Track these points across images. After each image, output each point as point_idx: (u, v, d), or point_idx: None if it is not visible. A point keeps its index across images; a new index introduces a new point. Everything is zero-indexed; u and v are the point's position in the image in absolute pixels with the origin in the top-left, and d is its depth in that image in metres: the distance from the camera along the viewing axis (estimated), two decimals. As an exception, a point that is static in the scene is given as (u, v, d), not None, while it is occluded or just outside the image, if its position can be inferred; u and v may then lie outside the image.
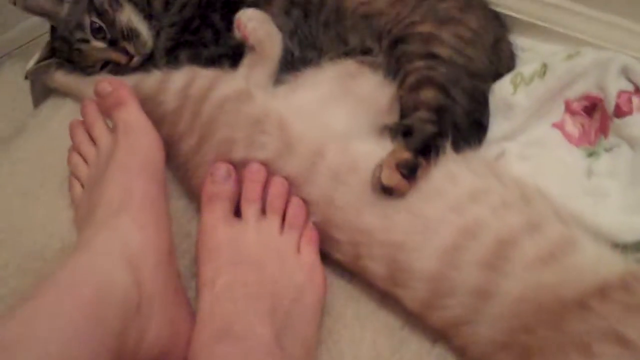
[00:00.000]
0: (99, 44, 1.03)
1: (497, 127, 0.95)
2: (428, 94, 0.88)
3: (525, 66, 0.97)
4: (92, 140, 0.92)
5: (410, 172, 0.78)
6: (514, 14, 1.06)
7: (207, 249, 0.80)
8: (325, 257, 0.84)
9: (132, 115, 0.86)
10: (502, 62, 1.00)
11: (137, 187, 0.80)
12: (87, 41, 1.03)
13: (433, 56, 0.92)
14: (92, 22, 1.03)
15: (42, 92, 1.12)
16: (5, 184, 0.97)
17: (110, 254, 0.72)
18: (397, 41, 0.96)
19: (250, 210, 0.82)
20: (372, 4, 1.00)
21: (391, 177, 0.78)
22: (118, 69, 1.06)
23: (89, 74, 1.08)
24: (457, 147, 0.85)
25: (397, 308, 0.81)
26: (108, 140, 0.88)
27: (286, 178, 0.83)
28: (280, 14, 1.02)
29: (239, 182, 0.83)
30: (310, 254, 0.82)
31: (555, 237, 0.73)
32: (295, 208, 0.83)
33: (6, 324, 0.61)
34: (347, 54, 1.00)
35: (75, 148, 0.94)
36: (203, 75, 0.91)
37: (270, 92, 0.94)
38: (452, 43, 0.94)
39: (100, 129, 0.90)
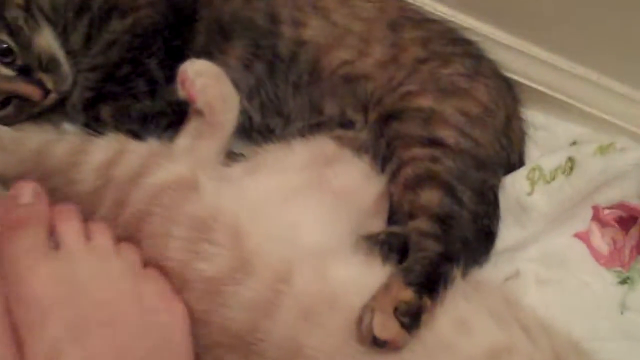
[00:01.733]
0: (6, 71, 0.78)
1: (507, 233, 0.78)
2: (430, 197, 0.71)
3: (545, 158, 0.80)
4: None
5: (412, 321, 0.60)
6: (526, 82, 0.88)
7: (27, 306, 0.57)
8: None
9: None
10: (513, 146, 0.81)
11: None
12: None
13: (435, 142, 0.74)
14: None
15: None
16: None
17: None
18: (389, 116, 0.77)
19: (71, 230, 0.64)
20: (357, 63, 0.80)
21: (387, 327, 0.59)
22: (23, 108, 0.81)
23: None
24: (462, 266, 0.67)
25: None
26: None
27: (241, 308, 0.62)
28: (238, 68, 0.81)
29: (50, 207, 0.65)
30: (159, 279, 0.65)
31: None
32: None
33: None
34: (322, 125, 0.81)
35: None
36: (132, 151, 0.70)
37: (219, 174, 0.72)
38: (457, 122, 0.76)
39: None
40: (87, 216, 0.67)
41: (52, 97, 0.81)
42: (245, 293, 0.62)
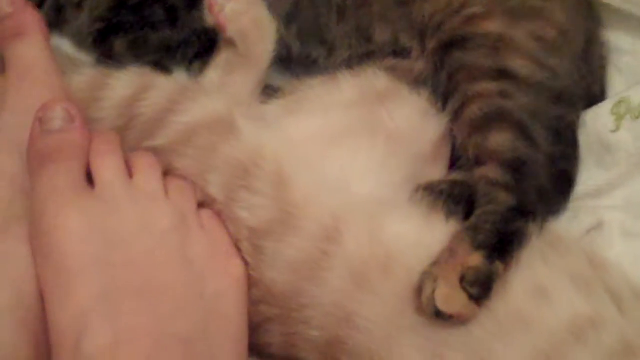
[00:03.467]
0: None
1: (587, 177, 0.68)
2: (500, 139, 0.61)
3: (634, 89, 0.69)
4: None
5: (481, 291, 0.52)
6: (607, -1, 0.76)
7: (53, 264, 0.51)
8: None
9: (34, 53, 0.62)
10: (594, 74, 0.72)
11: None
12: None
13: (506, 74, 0.64)
14: None
15: None
16: None
17: None
18: (450, 44, 0.67)
19: (110, 165, 0.56)
20: (412, -19, 0.69)
21: (452, 300, 0.52)
22: None
23: None
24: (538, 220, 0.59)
25: None
26: None
27: (283, 269, 0.56)
28: (273, -11, 0.71)
29: (88, 134, 0.56)
30: (217, 229, 0.58)
31: None
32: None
33: None
34: (371, 54, 0.72)
35: None
36: (159, 86, 0.63)
37: (256, 112, 0.64)
38: (530, 50, 0.66)
39: None
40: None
41: None
42: (288, 251, 0.56)
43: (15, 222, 0.53)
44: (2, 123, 0.58)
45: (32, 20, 0.63)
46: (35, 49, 0.62)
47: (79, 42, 0.76)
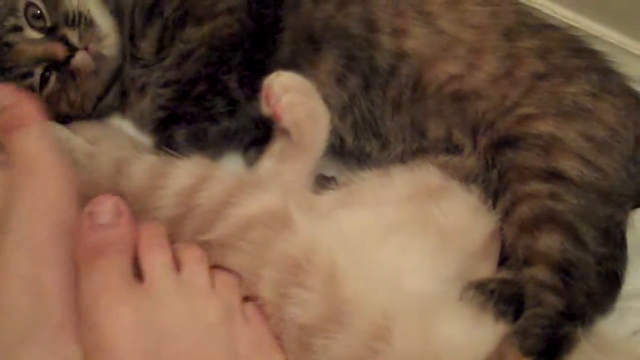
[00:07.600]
0: (34, 34, 0.77)
1: (635, 277, 0.73)
2: (550, 241, 0.66)
3: None
4: None
5: None
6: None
7: (105, 358, 0.53)
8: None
9: (37, 144, 0.61)
10: (641, 172, 0.75)
11: (50, 279, 0.55)
12: (19, 29, 0.77)
13: (556, 175, 0.69)
14: (28, 4, 0.76)
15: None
16: None
17: None
18: (502, 143, 0.73)
19: (158, 260, 0.59)
20: (466, 78, 0.75)
21: None
22: (67, 84, 0.78)
23: None
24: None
25: None
26: None
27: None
28: (329, 82, 0.77)
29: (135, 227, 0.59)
30: (261, 323, 0.61)
31: None
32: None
33: None
34: (424, 150, 0.77)
35: None
36: (218, 178, 0.66)
37: (309, 202, 0.69)
38: (580, 150, 0.71)
39: None
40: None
41: (82, 57, 0.77)
42: (338, 349, 0.58)
43: (37, 328, 0.54)
44: (16, 219, 0.57)
45: (31, 110, 0.63)
46: (37, 139, 0.62)
47: (141, 126, 0.82)
